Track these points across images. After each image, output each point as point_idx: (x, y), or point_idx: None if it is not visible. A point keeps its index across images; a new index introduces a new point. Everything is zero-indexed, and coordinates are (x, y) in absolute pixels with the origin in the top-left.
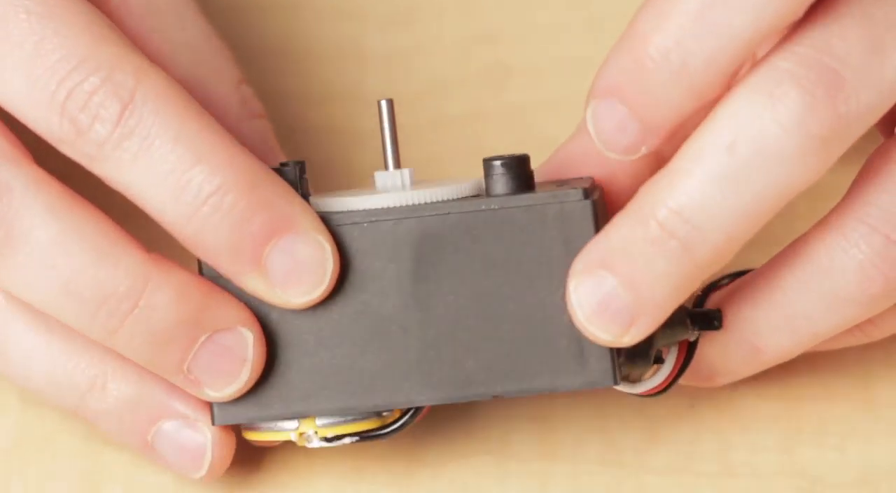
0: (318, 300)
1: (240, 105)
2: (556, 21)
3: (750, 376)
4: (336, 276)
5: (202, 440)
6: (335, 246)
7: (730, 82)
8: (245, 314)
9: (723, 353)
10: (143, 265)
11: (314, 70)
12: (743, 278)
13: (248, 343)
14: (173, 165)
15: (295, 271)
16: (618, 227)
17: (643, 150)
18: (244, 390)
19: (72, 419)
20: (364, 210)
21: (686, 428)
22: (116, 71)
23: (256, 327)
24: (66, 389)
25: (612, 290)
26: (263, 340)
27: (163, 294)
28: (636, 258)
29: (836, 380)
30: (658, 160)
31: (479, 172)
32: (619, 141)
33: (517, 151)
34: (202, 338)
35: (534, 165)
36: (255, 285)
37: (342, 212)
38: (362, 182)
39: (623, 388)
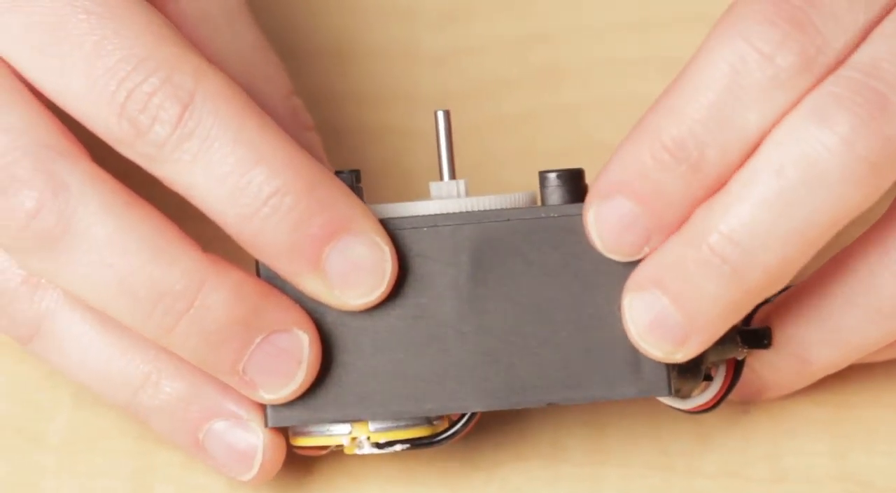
0: (375, 303)
1: (290, 117)
2: (609, 22)
3: (799, 389)
4: (394, 278)
5: (254, 441)
6: (394, 248)
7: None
8: (301, 316)
9: (771, 366)
10: (200, 265)
11: (367, 71)
12: (788, 291)
13: (303, 345)
14: (233, 167)
15: (353, 273)
16: (672, 248)
17: (645, 250)
18: (299, 393)
19: (124, 419)
20: (423, 215)
21: (737, 433)
22: (176, 72)
23: (312, 329)
24: (120, 384)
25: (665, 308)
26: (319, 342)
27: (219, 294)
28: (688, 280)
29: (887, 386)
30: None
31: (531, 173)
32: (624, 240)
33: (569, 152)
34: (258, 339)
35: (586, 165)
36: (313, 287)
37: (401, 217)
38: (416, 184)
39: (672, 403)
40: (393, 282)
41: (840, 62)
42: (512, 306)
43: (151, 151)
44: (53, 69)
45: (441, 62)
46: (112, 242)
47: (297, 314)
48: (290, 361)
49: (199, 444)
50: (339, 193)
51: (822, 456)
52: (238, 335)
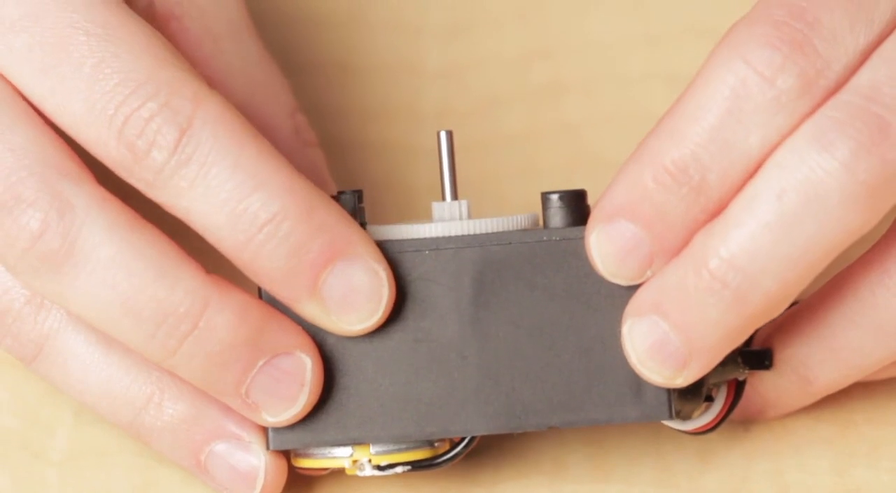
0: (373, 328)
1: (293, 134)
2: (612, 38)
3: (801, 408)
4: (392, 304)
5: (256, 463)
6: (391, 274)
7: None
8: (303, 339)
9: (773, 386)
10: (203, 286)
11: (370, 86)
12: (790, 311)
13: (306, 368)
14: (230, 193)
15: (351, 298)
16: (672, 273)
17: (648, 273)
18: (301, 416)
19: (125, 435)
20: (426, 238)
21: (739, 451)
22: (175, 96)
23: (315, 351)
24: (122, 404)
25: (665, 334)
26: (321, 365)
27: (222, 316)
28: (689, 305)
29: (889, 403)
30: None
31: (533, 190)
32: (627, 264)
33: (572, 168)
34: (261, 361)
35: (589, 181)
36: (311, 312)
37: (403, 240)
38: (418, 201)
39: (674, 425)
40: (391, 308)
41: (841, 84)
42: (514, 329)
43: (149, 176)
44: (54, 91)
45: (444, 78)
46: (116, 263)
47: (299, 337)
48: (292, 383)
49: (201, 465)
50: (337, 218)
51: (824, 473)
52: (241, 357)
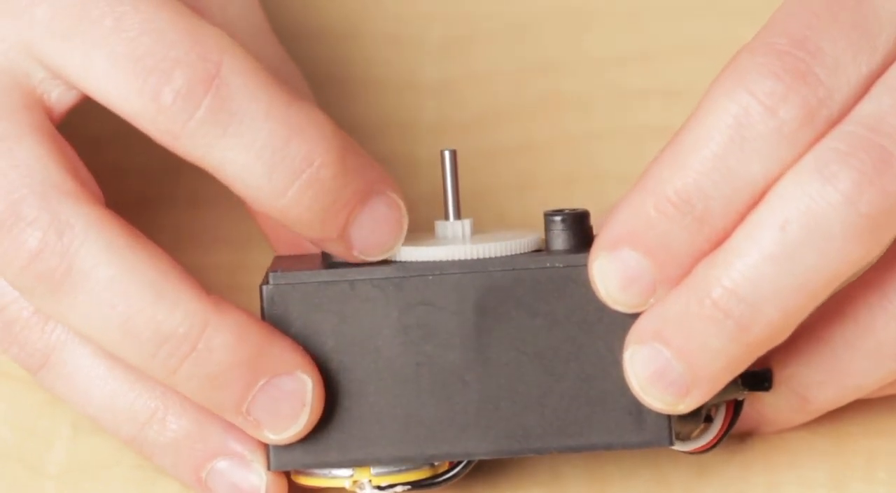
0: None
1: None
2: (611, 52)
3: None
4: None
5: (257, 481)
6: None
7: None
8: (304, 359)
9: (771, 404)
10: (203, 307)
11: (369, 100)
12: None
13: (307, 387)
14: (265, 141)
15: (376, 233)
16: (674, 301)
17: (651, 301)
18: (303, 434)
19: (124, 447)
20: (429, 262)
21: (736, 463)
22: (198, 44)
23: (315, 372)
24: (125, 419)
25: (667, 362)
26: (322, 385)
27: (222, 337)
28: (691, 334)
29: (885, 415)
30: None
31: (533, 203)
32: (630, 292)
33: (571, 182)
34: (261, 381)
35: (587, 195)
36: (336, 249)
37: (408, 262)
38: (418, 215)
39: (672, 446)
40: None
41: (844, 113)
42: (516, 354)
43: (176, 127)
44: (76, 51)
45: (442, 92)
46: (115, 284)
47: (300, 357)
48: (294, 403)
49: (202, 482)
50: (364, 158)
51: (821, 486)
52: (241, 378)
